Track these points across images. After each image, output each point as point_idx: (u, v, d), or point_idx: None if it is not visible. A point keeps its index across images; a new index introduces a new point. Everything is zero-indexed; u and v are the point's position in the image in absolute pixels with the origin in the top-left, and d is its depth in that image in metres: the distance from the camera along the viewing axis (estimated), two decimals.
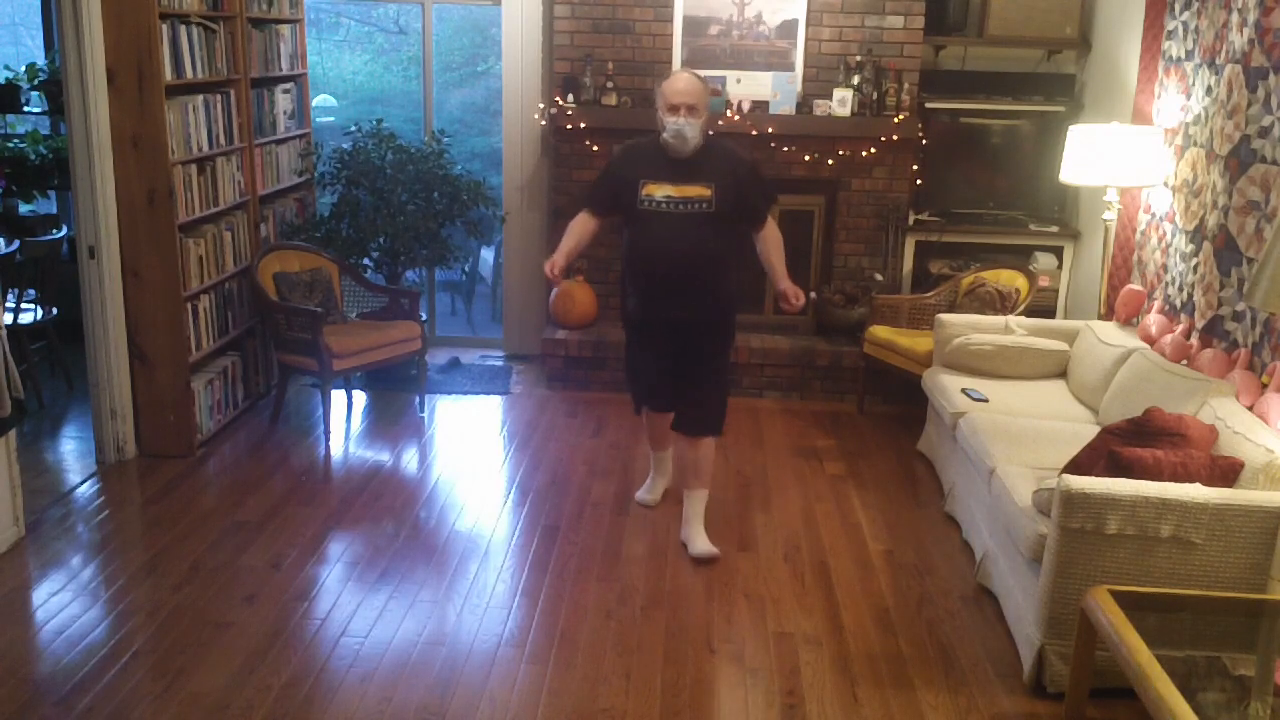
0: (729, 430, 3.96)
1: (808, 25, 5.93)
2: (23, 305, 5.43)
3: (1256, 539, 3.16)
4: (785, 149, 5.98)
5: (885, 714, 3.20)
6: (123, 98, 4.49)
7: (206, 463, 4.87)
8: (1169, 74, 4.85)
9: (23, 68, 6.25)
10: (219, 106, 5.07)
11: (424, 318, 5.69)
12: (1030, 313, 5.40)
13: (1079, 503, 3.14)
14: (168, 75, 4.59)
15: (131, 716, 3.05)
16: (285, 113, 5.88)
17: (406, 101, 7.60)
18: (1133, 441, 3.46)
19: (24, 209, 6.26)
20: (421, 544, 4.17)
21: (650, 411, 4.30)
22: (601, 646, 3.48)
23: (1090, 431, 3.92)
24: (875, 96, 5.89)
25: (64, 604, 3.64)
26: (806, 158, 6.00)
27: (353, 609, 3.66)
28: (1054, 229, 6.09)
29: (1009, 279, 5.59)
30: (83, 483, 4.62)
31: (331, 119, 7.60)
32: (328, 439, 5.19)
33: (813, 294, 6.07)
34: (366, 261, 5.91)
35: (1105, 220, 5.05)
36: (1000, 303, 5.49)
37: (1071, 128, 4.98)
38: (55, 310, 5.63)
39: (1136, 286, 4.92)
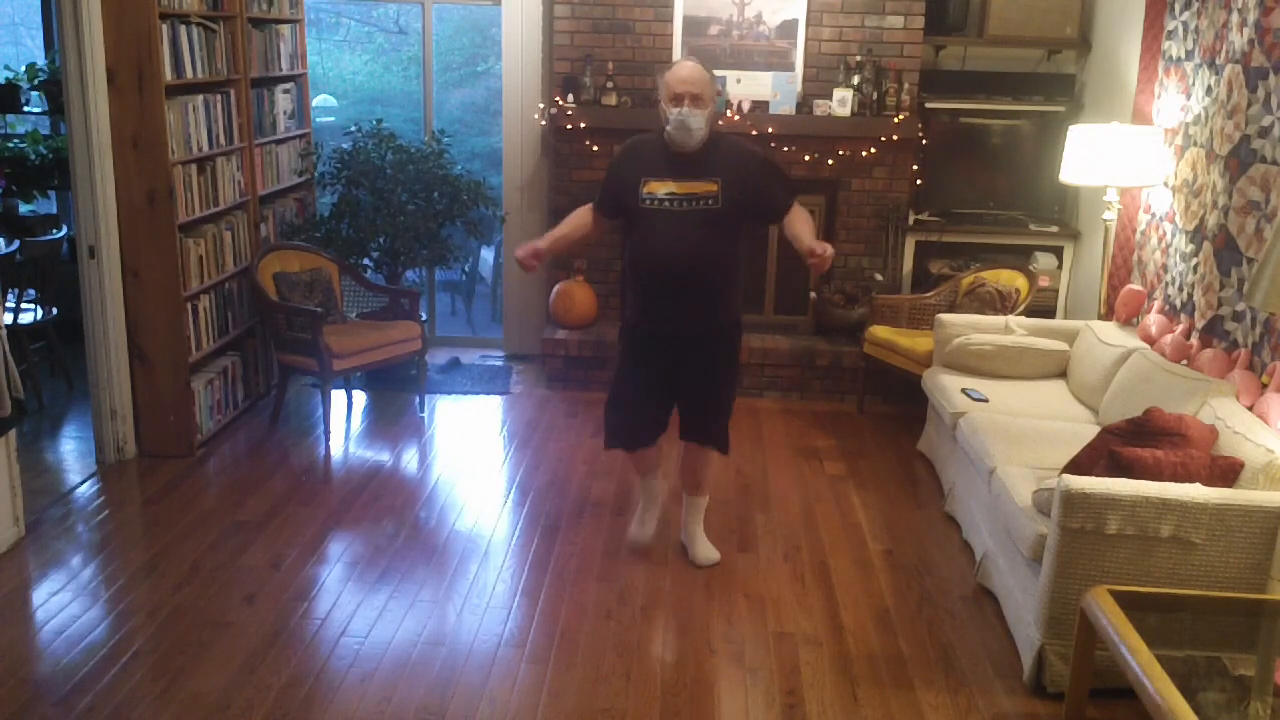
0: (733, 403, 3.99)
1: (808, 25, 5.93)
2: (23, 305, 5.43)
3: (1256, 539, 3.16)
4: (785, 149, 5.98)
5: (885, 714, 3.20)
6: (123, 98, 4.49)
7: (206, 463, 4.87)
8: (1169, 74, 4.85)
9: (23, 68, 6.25)
10: (219, 106, 5.07)
11: (424, 318, 5.69)
12: (1030, 313, 5.40)
13: (1079, 503, 3.14)
14: (168, 75, 4.59)
15: (131, 716, 3.05)
16: (285, 113, 5.88)
17: (406, 101, 7.60)
18: (1133, 441, 3.46)
19: (24, 209, 6.26)
20: (421, 544, 4.17)
21: (627, 451, 4.00)
22: (601, 646, 3.48)
23: (1090, 431, 3.92)
24: (875, 96, 5.89)
25: (64, 604, 3.64)
26: (806, 158, 6.00)
27: (353, 609, 3.66)
28: (1054, 229, 6.09)
29: (1009, 279, 5.59)
30: (83, 483, 4.62)
31: (331, 119, 7.60)
32: (328, 439, 5.19)
33: (813, 294, 6.07)
34: (366, 261, 5.91)
35: (1105, 220, 5.05)
36: (1000, 303, 5.49)
37: (1071, 128, 4.98)
38: (55, 310, 5.63)
39: (1136, 286, 4.92)
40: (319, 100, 7.49)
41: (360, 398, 5.82)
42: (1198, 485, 3.20)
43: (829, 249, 3.53)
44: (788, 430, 5.52)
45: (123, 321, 4.71)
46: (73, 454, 4.95)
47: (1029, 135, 6.15)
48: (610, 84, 5.91)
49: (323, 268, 5.50)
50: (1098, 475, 3.29)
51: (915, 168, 6.07)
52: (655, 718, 3.15)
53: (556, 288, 6.08)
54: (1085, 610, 2.98)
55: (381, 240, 5.79)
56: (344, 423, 5.50)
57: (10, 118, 6.52)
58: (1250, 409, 3.61)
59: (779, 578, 3.99)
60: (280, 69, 5.78)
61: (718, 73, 5.91)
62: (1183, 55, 4.72)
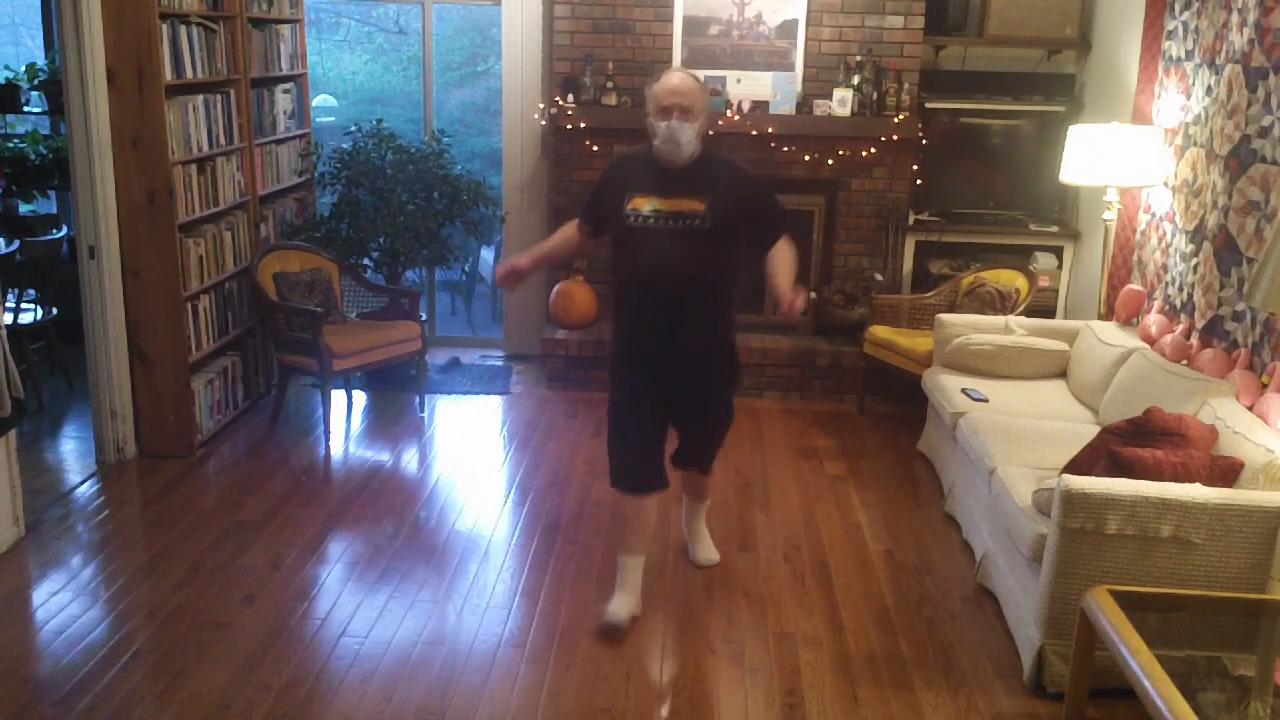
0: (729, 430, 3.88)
1: (808, 25, 5.93)
2: (23, 305, 5.43)
3: (1256, 539, 3.16)
4: (785, 149, 5.99)
5: (885, 714, 3.20)
6: (123, 98, 4.49)
7: (206, 463, 4.87)
8: (1169, 74, 4.84)
9: (23, 68, 6.25)
10: (219, 106, 5.07)
11: (424, 318, 5.69)
12: (1030, 313, 5.40)
13: (1079, 503, 3.14)
14: (168, 75, 4.59)
15: (131, 716, 3.05)
16: (285, 113, 5.88)
17: (406, 101, 7.61)
18: (1133, 441, 3.46)
19: (24, 209, 6.26)
20: (421, 544, 4.17)
21: (633, 495, 3.60)
22: (601, 646, 3.48)
23: (1090, 431, 3.92)
24: (875, 96, 5.89)
25: (64, 604, 3.64)
26: (806, 158, 6.00)
27: (353, 609, 3.66)
28: (1054, 229, 6.09)
29: (1009, 279, 5.59)
30: (83, 483, 4.62)
31: (331, 119, 7.61)
32: (328, 439, 5.19)
33: (813, 294, 6.07)
34: (366, 261, 5.91)
35: (1105, 220, 5.05)
36: (1000, 303, 5.49)
37: (1071, 128, 4.98)
38: (55, 310, 5.63)
39: (1136, 286, 4.92)
40: (319, 100, 7.49)
41: (360, 398, 5.82)
42: (1198, 485, 3.20)
43: (800, 302, 3.32)
44: (788, 430, 5.52)
45: (123, 321, 4.71)
46: (73, 454, 4.95)
47: (1029, 135, 6.15)
48: (610, 84, 5.91)
49: (323, 268, 5.50)
50: (1098, 475, 3.29)
51: (915, 168, 6.07)
52: (655, 718, 3.15)
53: (556, 288, 6.08)
54: (1085, 610, 2.98)
55: (381, 240, 5.79)
56: (344, 423, 5.50)
57: (10, 118, 6.52)
58: (1250, 409, 3.61)
59: (779, 578, 3.99)
60: (280, 69, 5.78)
61: (718, 73, 5.92)
62: (1183, 55, 4.72)
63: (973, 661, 3.48)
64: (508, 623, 3.62)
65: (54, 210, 6.69)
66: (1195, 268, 4.47)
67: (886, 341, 5.53)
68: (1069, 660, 3.14)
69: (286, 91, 5.91)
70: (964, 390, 4.69)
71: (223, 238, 5.16)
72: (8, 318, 5.15)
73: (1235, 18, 4.25)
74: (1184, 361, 4.18)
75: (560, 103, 5.92)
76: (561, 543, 4.20)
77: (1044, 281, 5.87)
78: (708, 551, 4.05)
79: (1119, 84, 5.44)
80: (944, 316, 5.15)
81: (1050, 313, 5.98)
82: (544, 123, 6.15)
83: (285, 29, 5.84)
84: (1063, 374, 4.93)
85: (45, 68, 6.25)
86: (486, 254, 7.87)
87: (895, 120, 5.83)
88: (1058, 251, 6.08)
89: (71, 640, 3.42)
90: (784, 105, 5.92)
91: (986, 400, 4.58)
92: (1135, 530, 3.15)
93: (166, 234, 4.66)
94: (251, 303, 5.42)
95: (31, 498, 4.30)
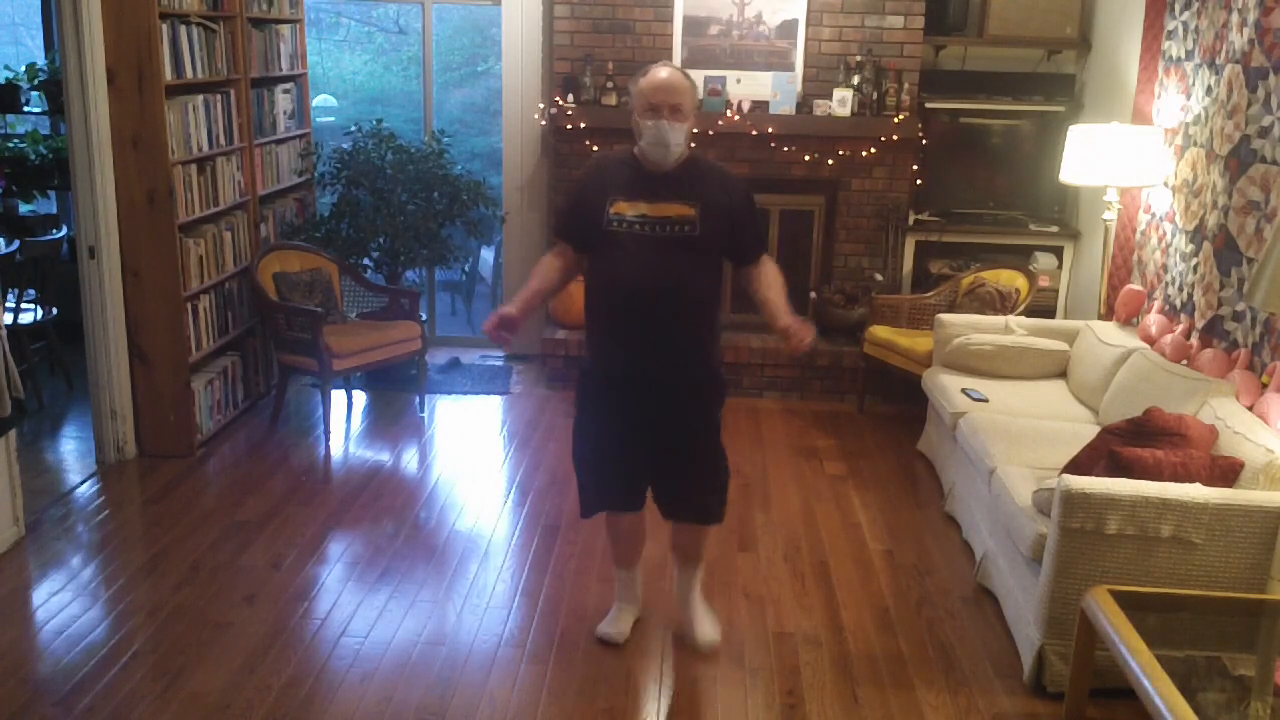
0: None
1: (808, 25, 5.93)
2: (23, 305, 5.43)
3: (1256, 539, 3.16)
4: (785, 149, 5.98)
5: (885, 714, 3.20)
6: (123, 98, 4.49)
7: (206, 463, 4.87)
8: (1169, 74, 4.84)
9: (23, 68, 6.25)
10: (219, 106, 5.07)
11: (424, 318, 5.69)
12: (1030, 313, 5.40)
13: (1079, 503, 3.14)
14: (168, 75, 4.59)
15: (131, 716, 3.05)
16: (285, 113, 5.88)
17: (406, 101, 7.61)
18: (1133, 441, 3.46)
19: (24, 209, 6.27)
20: (421, 544, 4.17)
21: (613, 513, 3.44)
22: (601, 647, 3.48)
23: (1090, 431, 3.92)
24: (875, 96, 5.89)
25: (64, 604, 3.64)
26: (806, 158, 6.00)
27: (353, 609, 3.66)
28: (1054, 229, 6.09)
29: (1009, 279, 5.59)
30: (83, 483, 4.62)
31: (331, 119, 7.61)
32: (328, 439, 5.19)
33: (813, 294, 6.07)
34: (366, 261, 5.91)
35: (1105, 220, 5.05)
36: (1000, 303, 5.49)
37: (1071, 128, 4.98)
38: (55, 310, 5.64)
39: (1136, 286, 4.92)
40: (319, 100, 7.49)
41: (360, 398, 5.82)
42: (1198, 485, 3.20)
43: (809, 335, 3.09)
44: (788, 430, 5.52)
45: (123, 321, 4.71)
46: (73, 454, 4.95)
47: (1029, 135, 6.15)
48: (610, 84, 5.91)
49: (323, 268, 5.50)
50: (1098, 475, 3.29)
51: (915, 168, 6.07)
52: (655, 718, 3.15)
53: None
54: (1085, 610, 2.98)
55: (381, 240, 5.79)
56: (344, 423, 5.50)
57: (10, 118, 6.52)
58: (1250, 409, 3.61)
59: (779, 578, 3.99)
60: (280, 69, 5.78)
61: (718, 73, 5.92)
62: (1183, 55, 4.72)
63: (973, 661, 3.48)
64: (508, 623, 3.62)
65: (54, 210, 6.69)
66: (1195, 268, 4.47)
67: (886, 341, 5.53)
68: (1069, 660, 3.14)
69: (286, 91, 5.91)
70: (964, 390, 4.69)
71: (223, 238, 5.16)
72: (8, 318, 5.15)
73: (1235, 18, 4.25)
74: (1184, 361, 4.18)
75: (560, 103, 5.92)
76: (561, 543, 4.20)
77: (1044, 281, 5.87)
78: (707, 629, 3.50)
79: (1119, 84, 5.44)
80: (944, 316, 5.15)
81: (1050, 313, 5.98)
82: (544, 123, 6.15)
83: (285, 29, 5.84)
84: (1063, 374, 4.93)
85: (45, 68, 6.25)
86: (486, 254, 7.87)
87: (895, 120, 5.83)
88: (1058, 251, 6.08)
89: (71, 640, 3.42)
90: (784, 105, 5.92)
91: (986, 400, 4.58)
92: (1135, 530, 3.15)
93: (166, 234, 4.66)
94: (251, 303, 5.42)
95: (31, 498, 4.30)
